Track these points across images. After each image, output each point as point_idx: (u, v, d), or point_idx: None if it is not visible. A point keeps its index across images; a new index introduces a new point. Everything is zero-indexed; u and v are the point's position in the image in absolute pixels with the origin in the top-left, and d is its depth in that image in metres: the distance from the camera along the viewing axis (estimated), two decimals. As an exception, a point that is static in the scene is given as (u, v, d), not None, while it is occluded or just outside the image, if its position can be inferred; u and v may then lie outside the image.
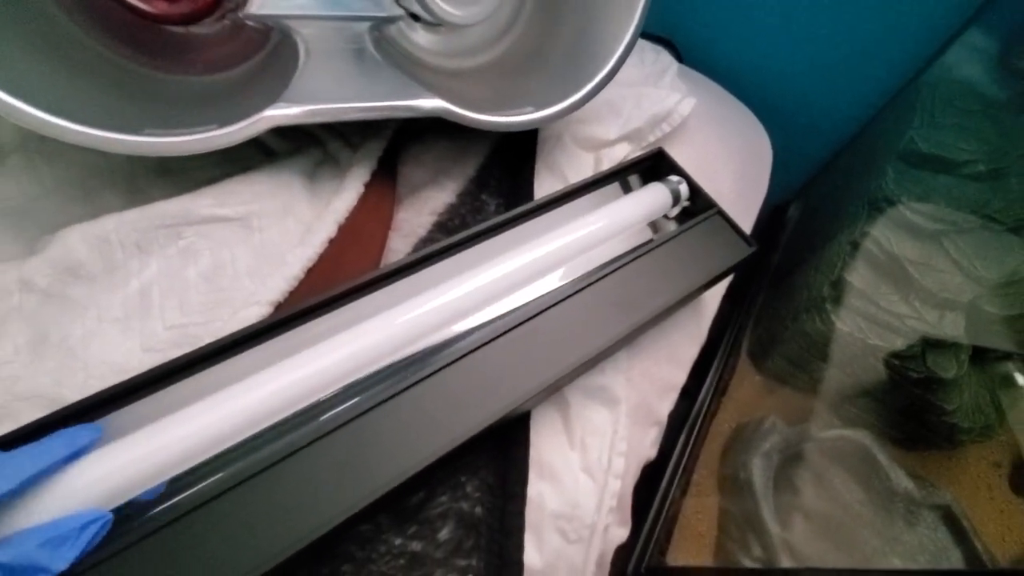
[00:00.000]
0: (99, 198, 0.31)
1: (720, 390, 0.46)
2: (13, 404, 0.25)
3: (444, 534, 0.27)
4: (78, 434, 0.21)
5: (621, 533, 0.34)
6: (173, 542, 0.22)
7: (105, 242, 0.28)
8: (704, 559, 0.39)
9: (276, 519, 0.23)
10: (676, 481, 0.41)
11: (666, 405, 0.38)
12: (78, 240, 0.27)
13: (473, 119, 0.34)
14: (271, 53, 0.39)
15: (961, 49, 0.45)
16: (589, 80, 0.38)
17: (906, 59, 0.47)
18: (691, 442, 0.43)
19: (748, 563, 0.37)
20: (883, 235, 0.40)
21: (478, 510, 0.28)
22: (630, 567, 0.39)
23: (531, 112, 0.37)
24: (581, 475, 0.32)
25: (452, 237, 0.34)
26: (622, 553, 0.38)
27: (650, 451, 0.37)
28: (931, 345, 0.38)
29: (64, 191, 0.31)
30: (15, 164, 0.31)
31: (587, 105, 0.39)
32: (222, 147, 0.29)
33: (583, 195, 0.39)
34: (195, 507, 0.23)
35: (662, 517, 0.40)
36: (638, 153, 0.45)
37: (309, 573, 0.26)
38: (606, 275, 0.33)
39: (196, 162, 0.34)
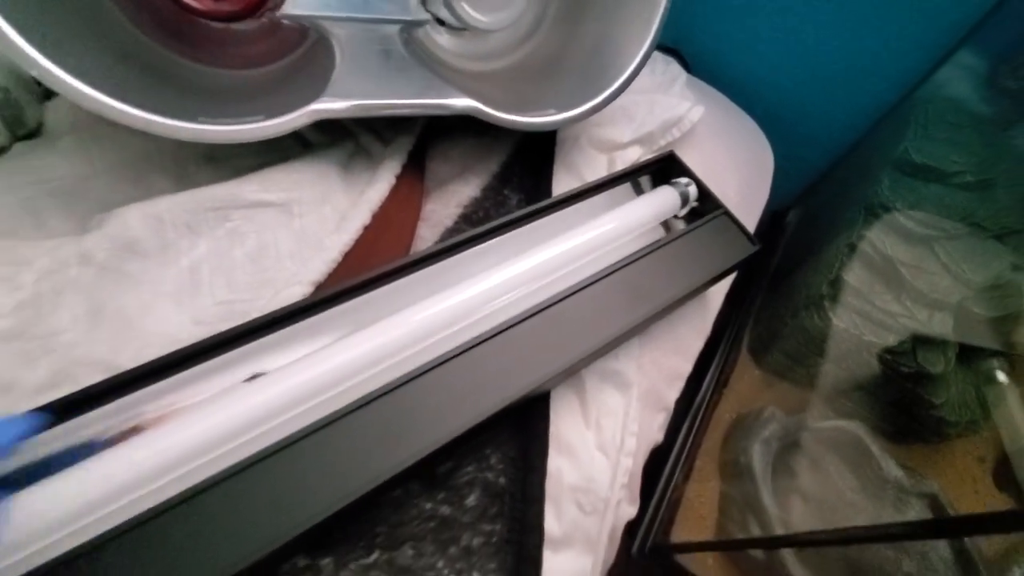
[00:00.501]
0: (148, 181, 0.33)
1: (721, 383, 0.49)
2: (72, 368, 0.27)
3: (471, 501, 0.29)
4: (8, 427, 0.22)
5: (631, 510, 0.36)
6: (218, 502, 0.24)
7: (159, 221, 0.30)
8: (705, 538, 0.41)
9: (315, 483, 0.25)
10: (679, 466, 0.44)
11: (673, 392, 0.40)
12: (135, 218, 0.29)
13: (502, 119, 0.36)
14: (308, 51, 0.41)
15: (953, 68, 0.48)
16: (608, 86, 0.41)
17: (902, 75, 0.50)
18: (694, 430, 0.45)
19: (747, 543, 0.39)
20: (879, 238, 0.42)
21: (502, 480, 0.30)
22: (635, 546, 0.41)
23: (554, 113, 0.39)
24: (596, 453, 0.34)
25: (476, 228, 0.36)
26: (629, 531, 0.40)
27: (658, 435, 0.39)
28: (921, 342, 0.41)
29: (115, 173, 0.33)
30: (67, 146, 0.33)
31: (604, 109, 0.41)
32: (272, 136, 0.31)
33: (597, 193, 0.41)
34: (240, 470, 0.24)
35: (666, 500, 0.42)
36: (649, 156, 0.47)
37: (345, 533, 0.27)
38: (620, 268, 0.36)
39: (239, 151, 0.36)
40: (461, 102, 0.35)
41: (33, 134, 0.34)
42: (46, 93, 0.35)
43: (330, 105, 0.32)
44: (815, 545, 0.29)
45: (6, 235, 0.29)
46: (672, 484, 0.42)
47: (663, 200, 0.41)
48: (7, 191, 0.30)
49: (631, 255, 0.37)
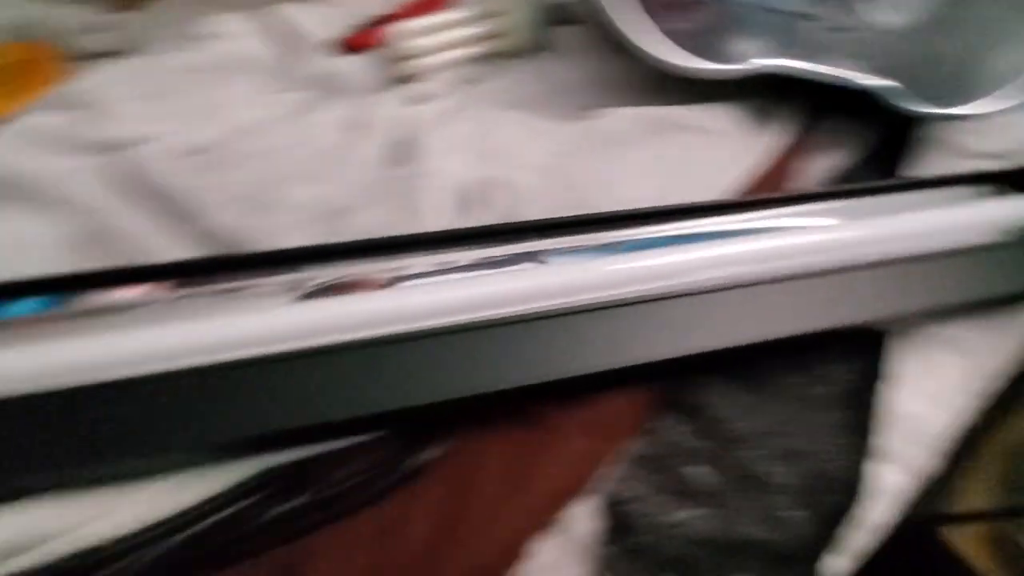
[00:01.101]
0: (616, 96, 0.46)
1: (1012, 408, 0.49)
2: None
3: (821, 391, 0.37)
4: None
5: (935, 464, 0.39)
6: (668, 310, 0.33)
7: (638, 122, 0.42)
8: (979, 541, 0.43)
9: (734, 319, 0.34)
10: (961, 459, 0.45)
11: (991, 384, 0.42)
12: (624, 117, 0.42)
13: (903, 106, 0.42)
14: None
15: None
16: (987, 95, 0.45)
17: None
18: (976, 434, 0.47)
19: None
20: None
21: (848, 385, 0.37)
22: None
23: (936, 108, 0.44)
24: (922, 397, 0.38)
25: (834, 187, 0.43)
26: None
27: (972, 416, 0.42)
28: None
29: (596, 85, 0.47)
30: (568, 60, 0.48)
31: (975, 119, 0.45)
32: (725, 77, 0.41)
33: (947, 187, 0.45)
34: (681, 296, 0.34)
35: (944, 486, 0.44)
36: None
37: (741, 375, 0.36)
38: (961, 253, 0.40)
39: (675, 87, 0.46)
40: (869, 80, 0.42)
41: (543, 48, 0.50)
42: (551, 20, 0.50)
43: (766, 61, 0.41)
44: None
45: (527, 109, 0.44)
46: (950, 475, 0.45)
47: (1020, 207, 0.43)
48: (535, 82, 0.47)
49: (974, 245, 0.40)
